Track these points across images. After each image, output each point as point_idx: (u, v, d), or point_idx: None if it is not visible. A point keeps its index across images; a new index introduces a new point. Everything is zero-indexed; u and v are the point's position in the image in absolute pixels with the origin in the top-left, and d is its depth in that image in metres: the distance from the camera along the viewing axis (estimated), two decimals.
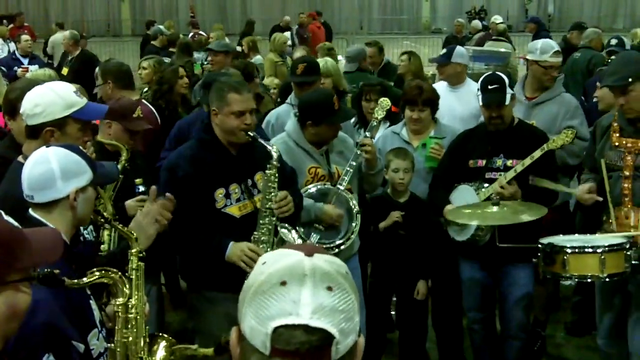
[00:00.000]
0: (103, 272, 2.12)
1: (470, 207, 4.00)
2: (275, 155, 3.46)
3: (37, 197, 2.31)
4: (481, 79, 4.19)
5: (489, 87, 4.05)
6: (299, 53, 8.01)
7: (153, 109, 5.17)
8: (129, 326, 2.49)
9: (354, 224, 4.04)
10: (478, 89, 4.16)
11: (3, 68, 8.87)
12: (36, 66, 8.83)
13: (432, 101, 4.62)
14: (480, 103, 4.13)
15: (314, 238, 3.94)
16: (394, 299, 4.68)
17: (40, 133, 2.80)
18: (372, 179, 4.23)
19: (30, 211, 2.32)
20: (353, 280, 1.22)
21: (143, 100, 5.16)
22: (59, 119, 2.80)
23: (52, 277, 1.88)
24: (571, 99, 4.85)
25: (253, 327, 1.16)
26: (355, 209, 4.06)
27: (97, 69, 6.42)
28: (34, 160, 2.34)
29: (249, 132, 3.44)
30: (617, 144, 3.79)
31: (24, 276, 1.71)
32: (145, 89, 5.97)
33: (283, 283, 1.15)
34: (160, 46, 10.96)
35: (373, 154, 4.08)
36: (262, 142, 3.49)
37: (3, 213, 1.77)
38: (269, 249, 3.44)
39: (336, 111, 3.96)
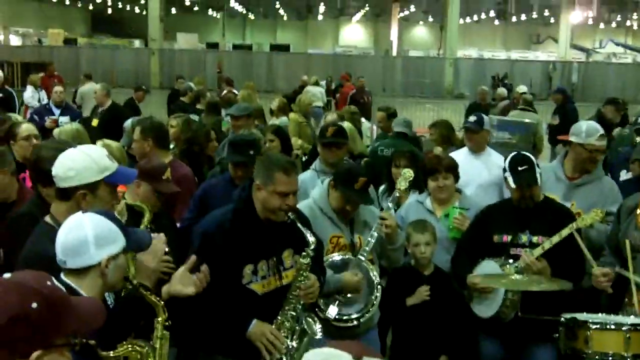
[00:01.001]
0: (133, 345, 2.11)
1: (494, 276, 3.95)
2: (312, 244, 3.40)
3: (70, 262, 2.33)
4: (509, 159, 4.18)
5: (519, 168, 4.05)
6: (330, 117, 8.11)
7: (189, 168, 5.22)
8: None
9: (373, 296, 4.01)
10: (505, 169, 4.15)
11: (36, 117, 9.05)
12: (67, 117, 8.99)
13: (453, 168, 4.64)
14: (512, 185, 4.10)
15: (333, 310, 3.91)
16: None
17: (72, 195, 2.83)
18: (393, 255, 4.22)
19: (62, 276, 2.34)
20: None
21: (178, 161, 5.22)
22: (91, 183, 2.83)
23: (89, 348, 1.89)
24: (612, 185, 4.80)
25: None
26: (376, 280, 4.03)
27: (128, 123, 6.51)
28: (69, 225, 2.37)
29: (289, 215, 3.40)
30: None
31: (66, 342, 1.76)
32: (172, 146, 6.04)
33: None
34: (189, 102, 11.14)
35: (393, 228, 4.07)
36: (301, 228, 3.42)
37: (54, 279, 1.80)
38: (289, 337, 3.40)
39: (354, 190, 3.96)
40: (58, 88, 9.76)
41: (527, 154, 4.16)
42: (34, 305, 1.65)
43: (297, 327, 3.44)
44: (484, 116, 5.66)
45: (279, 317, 3.41)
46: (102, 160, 2.89)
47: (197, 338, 3.67)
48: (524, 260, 3.93)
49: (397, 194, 4.39)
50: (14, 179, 4.02)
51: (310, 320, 3.44)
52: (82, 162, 2.85)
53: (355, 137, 6.39)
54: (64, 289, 1.84)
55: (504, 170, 4.15)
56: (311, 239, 3.41)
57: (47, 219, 2.86)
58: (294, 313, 3.42)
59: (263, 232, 3.46)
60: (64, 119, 8.71)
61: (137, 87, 11.62)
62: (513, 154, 4.23)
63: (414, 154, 5.40)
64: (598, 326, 3.55)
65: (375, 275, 4.05)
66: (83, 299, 2.02)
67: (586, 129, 4.69)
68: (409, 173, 4.35)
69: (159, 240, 2.85)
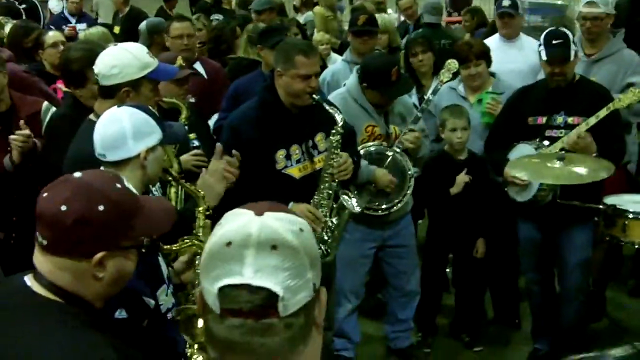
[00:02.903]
0: (194, 240, 2.16)
1: (534, 159, 3.86)
2: (340, 121, 3.42)
3: (109, 155, 2.35)
4: (544, 33, 4.04)
5: (554, 41, 3.90)
6: (367, 4, 7.89)
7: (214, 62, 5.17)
8: (197, 282, 2.54)
9: (406, 187, 4.03)
10: (540, 44, 4.03)
11: (52, 27, 8.95)
12: (84, 25, 8.88)
13: (484, 53, 4.54)
14: (544, 58, 3.96)
15: (365, 199, 3.94)
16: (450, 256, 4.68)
17: (116, 93, 2.84)
18: (416, 161, 4.19)
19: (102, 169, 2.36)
20: (310, 237, 1.24)
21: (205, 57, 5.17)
22: (134, 80, 2.84)
23: (155, 246, 1.93)
24: (632, 55, 4.69)
25: (206, 287, 1.19)
26: (409, 172, 4.04)
27: (143, 25, 6.44)
28: (107, 120, 2.38)
29: (314, 96, 3.41)
30: None
31: (134, 244, 1.79)
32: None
33: (229, 244, 1.17)
34: (210, 2, 10.91)
35: (418, 145, 4.04)
36: (327, 107, 3.45)
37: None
38: (327, 214, 3.46)
39: (392, 83, 3.90)
40: None
41: (565, 29, 4.01)
42: (101, 208, 1.67)
43: (334, 205, 3.50)
44: None
45: (316, 197, 3.47)
46: (143, 57, 2.89)
47: None
48: (572, 136, 3.81)
49: (439, 87, 4.28)
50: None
51: (346, 196, 3.49)
52: (124, 59, 2.85)
53: (394, 29, 6.20)
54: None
55: (539, 45, 4.03)
56: (339, 117, 3.43)
57: (92, 117, 2.87)
58: (330, 191, 3.47)
59: (290, 117, 3.48)
60: (82, 27, 8.61)
61: None
62: (550, 29, 4.09)
63: (428, 39, 5.24)
64: (638, 215, 3.53)
65: (409, 166, 4.05)
66: (153, 201, 2.04)
67: None
68: (453, 64, 4.24)
69: (220, 163, 2.83)
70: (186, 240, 2.17)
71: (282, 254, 1.16)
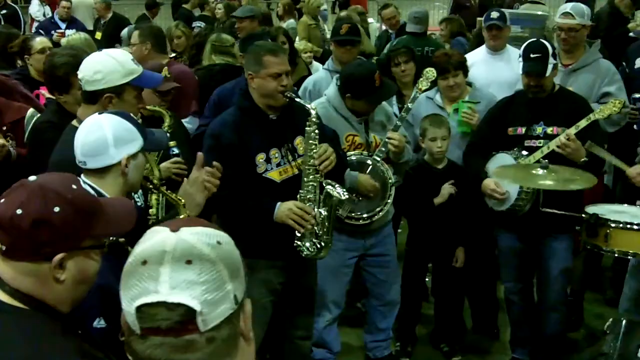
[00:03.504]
0: None
1: (516, 168, 3.91)
2: (313, 112, 3.45)
3: (90, 163, 2.34)
4: (524, 45, 4.09)
5: (532, 55, 3.95)
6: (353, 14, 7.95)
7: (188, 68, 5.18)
8: None
9: (387, 196, 4.04)
10: (520, 55, 4.08)
11: (41, 32, 8.91)
12: (73, 31, 8.85)
13: (462, 64, 4.58)
14: (520, 71, 4.04)
15: (346, 208, 3.94)
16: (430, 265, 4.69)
17: (99, 99, 2.83)
18: (399, 167, 4.19)
19: (83, 177, 2.35)
20: (230, 249, 1.23)
21: (176, 62, 5.16)
22: (117, 86, 2.83)
23: (118, 246, 1.92)
24: (608, 65, 4.76)
25: (124, 308, 1.18)
26: (390, 181, 4.05)
27: (125, 31, 6.43)
28: (88, 127, 2.37)
29: (286, 94, 3.43)
30: None
31: (96, 244, 1.77)
32: (173, 55, 5.96)
33: (144, 262, 1.17)
34: (191, 9, 10.91)
35: (401, 148, 4.05)
36: (300, 101, 3.50)
37: (81, 180, 1.80)
38: (315, 207, 3.46)
39: (377, 89, 3.92)
40: (65, 2, 9.57)
41: (545, 42, 4.05)
42: (57, 209, 1.65)
43: (320, 196, 3.51)
44: (504, 10, 5.50)
45: (301, 191, 3.48)
46: (127, 63, 2.88)
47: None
48: (562, 139, 3.84)
49: (418, 95, 4.29)
50: None
51: (330, 187, 3.49)
52: (108, 65, 2.84)
53: (364, 36, 6.23)
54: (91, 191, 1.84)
55: (519, 56, 4.07)
56: (312, 109, 3.45)
57: (75, 122, 2.86)
58: (314, 183, 3.48)
59: (268, 122, 3.51)
60: (71, 32, 8.58)
61: (150, 2, 11.09)
62: (530, 40, 4.13)
63: (410, 49, 5.26)
64: (620, 225, 3.57)
65: (390, 175, 4.06)
66: (115, 201, 2.02)
67: (560, 8, 4.69)
68: (431, 72, 4.26)
69: (201, 173, 2.80)
70: None
71: (197, 268, 1.15)
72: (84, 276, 1.75)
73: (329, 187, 3.50)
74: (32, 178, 1.72)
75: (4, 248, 1.66)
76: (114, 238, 1.90)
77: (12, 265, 1.68)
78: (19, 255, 1.67)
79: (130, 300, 1.16)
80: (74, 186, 1.74)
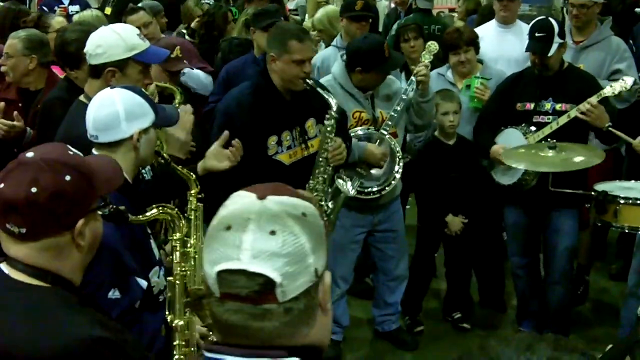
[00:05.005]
0: (161, 208, 2.14)
1: (525, 148, 3.93)
2: (334, 106, 3.43)
3: (102, 137, 2.36)
4: (532, 23, 4.11)
5: (536, 34, 3.96)
6: None
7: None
8: (189, 263, 2.57)
9: (395, 169, 4.06)
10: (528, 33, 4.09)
11: (45, 8, 8.88)
12: (77, 6, 8.82)
13: (473, 40, 4.58)
14: (525, 49, 4.07)
15: (356, 182, 3.97)
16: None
17: (102, 73, 2.84)
18: (425, 107, 4.14)
19: (94, 151, 2.37)
20: (314, 222, 1.21)
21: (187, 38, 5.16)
22: (119, 60, 2.82)
23: (119, 213, 1.95)
24: (619, 42, 4.75)
25: (206, 270, 1.18)
26: (398, 154, 4.07)
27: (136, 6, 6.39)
28: (99, 101, 2.38)
29: (308, 80, 3.42)
30: None
31: (99, 204, 1.81)
32: (182, 29, 5.95)
33: (228, 227, 1.17)
34: None
35: (428, 77, 4.05)
36: (321, 92, 3.45)
37: (69, 146, 1.82)
38: (323, 198, 3.48)
39: (387, 59, 3.93)
40: None
41: (551, 20, 4.04)
42: (68, 177, 1.67)
43: (329, 190, 3.52)
44: None
45: (311, 182, 3.49)
46: (131, 38, 2.86)
47: None
48: (585, 105, 3.85)
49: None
50: (43, 70, 4.05)
51: (341, 180, 3.52)
52: (110, 39, 2.84)
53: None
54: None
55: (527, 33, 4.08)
56: (333, 101, 3.44)
57: (82, 98, 2.87)
58: (325, 176, 3.50)
59: (283, 103, 3.49)
60: (74, 8, 8.54)
61: None
62: (537, 19, 4.14)
63: (419, 25, 5.26)
64: (629, 201, 3.60)
65: (397, 148, 4.08)
66: (98, 159, 2.04)
67: None
68: (433, 46, 4.26)
69: (186, 112, 2.87)
70: (154, 210, 2.14)
71: (281, 240, 1.15)
72: (95, 238, 1.78)
73: (340, 180, 3.52)
74: (29, 154, 1.70)
75: (23, 231, 1.65)
76: (114, 206, 1.92)
77: (29, 245, 1.67)
78: (42, 233, 1.67)
79: (212, 264, 1.17)
80: (70, 152, 1.76)
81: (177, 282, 2.25)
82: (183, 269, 2.29)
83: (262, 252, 1.14)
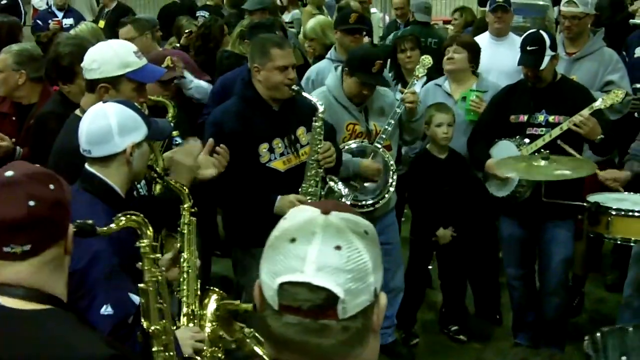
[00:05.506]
0: (127, 216, 2.11)
1: (517, 159, 3.95)
2: (320, 108, 3.48)
3: (95, 151, 2.36)
4: (524, 36, 4.13)
5: (528, 47, 3.99)
6: (353, 3, 7.90)
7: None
8: (182, 280, 2.56)
9: (389, 182, 4.07)
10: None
11: (39, 22, 8.90)
12: (71, 20, 8.84)
13: (468, 45, 4.60)
14: (517, 63, 4.09)
15: (350, 195, 3.97)
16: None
17: (95, 88, 2.83)
18: (414, 126, 4.19)
19: (87, 166, 2.37)
20: (374, 240, 1.21)
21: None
22: (112, 77, 2.80)
23: (85, 227, 1.93)
24: (612, 53, 4.77)
25: (265, 281, 1.17)
26: (392, 167, 4.08)
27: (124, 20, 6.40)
28: (92, 115, 2.38)
29: (293, 87, 3.45)
30: None
31: None
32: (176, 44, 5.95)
33: (293, 240, 1.16)
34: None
35: (416, 103, 4.08)
36: (307, 95, 3.51)
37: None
38: (316, 201, 3.49)
39: (371, 73, 3.93)
40: None
41: (543, 33, 4.06)
42: (52, 186, 1.69)
43: (322, 192, 3.54)
44: None
45: (303, 185, 3.52)
46: (126, 55, 2.84)
47: (231, 233, 3.75)
48: (578, 117, 3.86)
49: (415, 82, 4.34)
50: (35, 85, 4.03)
51: (332, 183, 3.53)
52: (105, 55, 2.83)
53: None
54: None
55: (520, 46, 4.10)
56: (319, 104, 3.48)
57: (78, 112, 2.87)
58: (317, 178, 3.53)
59: (271, 112, 3.53)
60: (68, 21, 8.57)
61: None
62: (529, 32, 4.16)
63: (416, 37, 5.30)
64: (621, 212, 3.61)
65: (391, 162, 4.09)
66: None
67: None
68: (427, 60, 4.29)
69: (194, 141, 2.86)
70: (121, 218, 2.09)
71: (345, 255, 1.14)
72: (72, 245, 1.78)
73: (331, 182, 3.54)
74: (8, 173, 1.67)
75: (27, 248, 1.63)
76: (81, 221, 1.91)
77: (30, 262, 1.65)
78: (45, 245, 1.67)
79: (273, 275, 1.15)
80: (36, 165, 1.78)
81: (150, 288, 2.20)
82: (154, 274, 2.22)
83: (326, 266, 1.13)
